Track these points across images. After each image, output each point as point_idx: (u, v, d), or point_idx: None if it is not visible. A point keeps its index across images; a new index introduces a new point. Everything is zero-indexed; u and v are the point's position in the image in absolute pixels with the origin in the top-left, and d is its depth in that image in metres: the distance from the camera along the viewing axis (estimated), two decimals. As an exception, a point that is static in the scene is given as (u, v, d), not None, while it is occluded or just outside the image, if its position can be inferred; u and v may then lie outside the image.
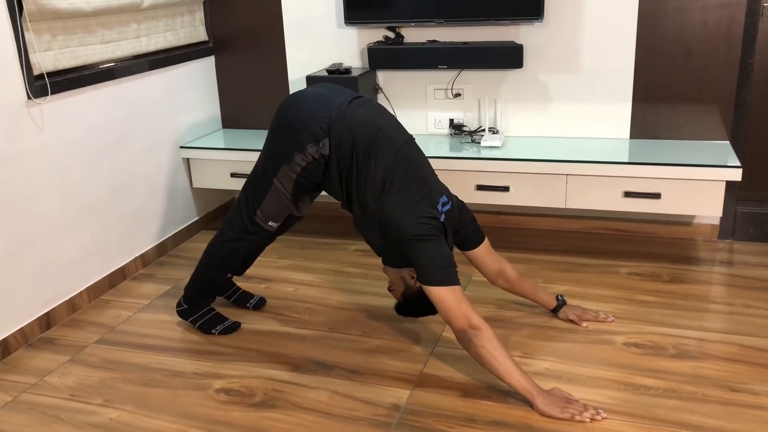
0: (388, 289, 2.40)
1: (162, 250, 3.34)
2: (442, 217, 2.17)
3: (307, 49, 3.50)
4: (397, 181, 2.15)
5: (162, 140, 3.32)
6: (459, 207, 2.31)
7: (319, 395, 2.18)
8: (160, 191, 3.32)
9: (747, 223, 3.16)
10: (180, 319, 2.63)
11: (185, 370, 2.36)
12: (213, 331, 2.57)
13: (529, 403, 2.06)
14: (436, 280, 2.07)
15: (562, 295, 2.56)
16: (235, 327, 2.59)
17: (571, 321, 2.51)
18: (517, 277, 2.47)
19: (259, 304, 2.75)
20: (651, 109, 3.12)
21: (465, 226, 2.33)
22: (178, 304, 2.61)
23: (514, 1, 3.03)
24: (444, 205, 2.20)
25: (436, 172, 3.06)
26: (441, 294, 2.06)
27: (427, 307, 2.21)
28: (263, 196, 2.31)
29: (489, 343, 2.02)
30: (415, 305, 2.32)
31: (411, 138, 2.28)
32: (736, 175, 2.74)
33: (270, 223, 2.37)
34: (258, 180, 2.32)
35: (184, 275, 3.09)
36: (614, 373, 2.22)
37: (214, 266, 2.50)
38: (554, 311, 2.54)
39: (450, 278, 2.07)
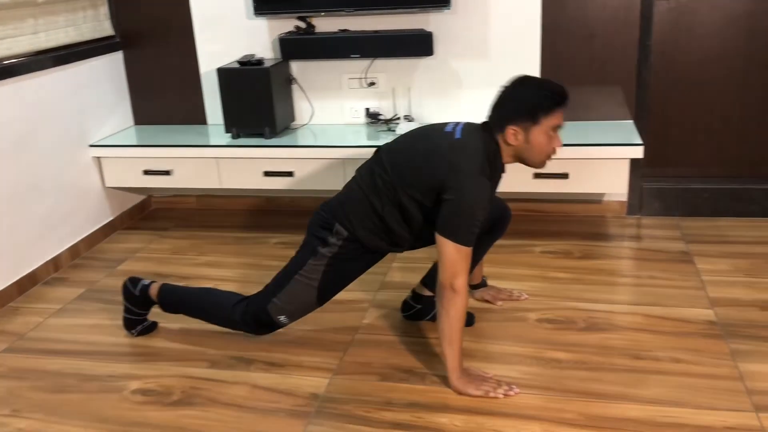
0: (541, 163, 2.14)
1: (75, 252, 3.23)
2: (459, 134, 2.09)
3: (217, 41, 3.44)
4: (400, 158, 2.15)
5: (69, 139, 3.21)
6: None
7: (239, 390, 2.17)
8: (69, 192, 3.21)
9: (653, 199, 3.30)
10: (109, 322, 2.56)
11: (100, 373, 2.31)
12: (132, 330, 2.51)
13: (445, 384, 2.10)
14: (455, 236, 1.99)
15: (485, 279, 2.62)
16: (152, 327, 2.55)
17: (486, 301, 2.57)
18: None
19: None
20: (558, 92, 3.21)
21: None
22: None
23: (423, -11, 3.07)
24: (455, 126, 2.13)
25: (352, 161, 3.08)
26: (449, 248, 2.00)
27: (542, 84, 2.09)
28: (288, 284, 2.26)
29: (453, 310, 2.02)
30: (537, 97, 2.04)
31: (378, 149, 2.28)
32: (639, 152, 2.86)
33: (282, 319, 2.29)
34: (293, 264, 2.29)
35: (98, 277, 3.01)
36: (527, 349, 2.29)
37: (207, 313, 2.43)
38: (474, 287, 2.58)
39: (469, 239, 2.00)
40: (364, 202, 2.17)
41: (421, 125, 2.35)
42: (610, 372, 2.14)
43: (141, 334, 2.51)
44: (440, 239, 2.01)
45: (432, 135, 2.16)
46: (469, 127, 2.13)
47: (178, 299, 2.44)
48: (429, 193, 2.07)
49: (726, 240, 3.02)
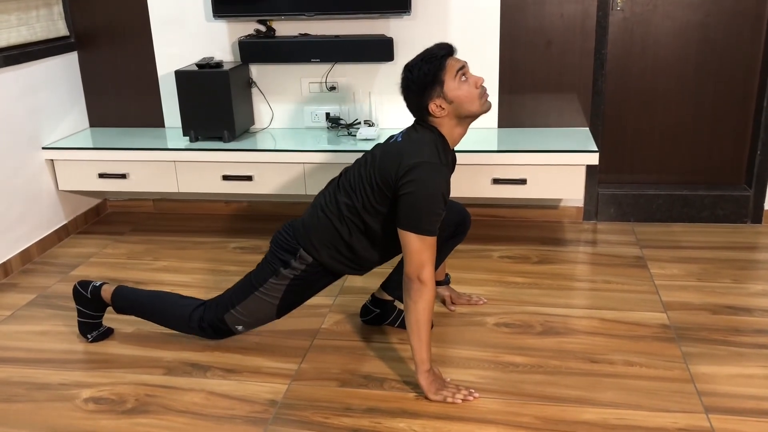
0: (477, 111, 2.12)
1: (27, 257, 3.15)
2: (400, 137, 2.14)
3: (176, 43, 3.40)
4: (354, 174, 2.18)
5: (21, 141, 3.13)
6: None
7: (194, 397, 2.14)
8: (21, 195, 3.13)
9: (608, 204, 3.37)
10: (61, 329, 2.49)
11: (51, 381, 2.24)
12: (88, 336, 2.45)
13: (404, 389, 2.10)
14: (416, 227, 1.99)
15: (449, 276, 2.63)
16: (108, 333, 2.49)
17: (443, 301, 2.59)
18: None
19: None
20: (516, 99, 3.25)
21: None
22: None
23: (383, -5, 3.08)
24: (397, 134, 2.18)
25: (312, 166, 3.07)
26: (413, 239, 2.00)
27: (426, 52, 2.09)
28: (244, 297, 2.25)
29: (421, 303, 2.02)
30: (428, 61, 2.06)
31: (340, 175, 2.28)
32: (594, 159, 2.91)
33: (239, 327, 2.30)
34: (251, 277, 2.27)
35: (51, 282, 2.94)
36: (485, 353, 2.31)
37: (162, 317, 2.40)
38: (439, 284, 2.57)
39: (431, 229, 2.00)
40: (331, 229, 2.17)
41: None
42: (567, 376, 2.17)
43: (96, 340, 2.45)
44: (403, 233, 2.02)
45: (380, 148, 2.19)
46: (407, 129, 2.17)
47: (133, 300, 2.40)
48: (387, 196, 2.07)
49: (678, 245, 3.09)
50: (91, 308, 2.43)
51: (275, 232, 2.30)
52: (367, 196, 2.11)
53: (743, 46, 3.14)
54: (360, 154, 2.98)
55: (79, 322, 2.46)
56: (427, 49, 2.09)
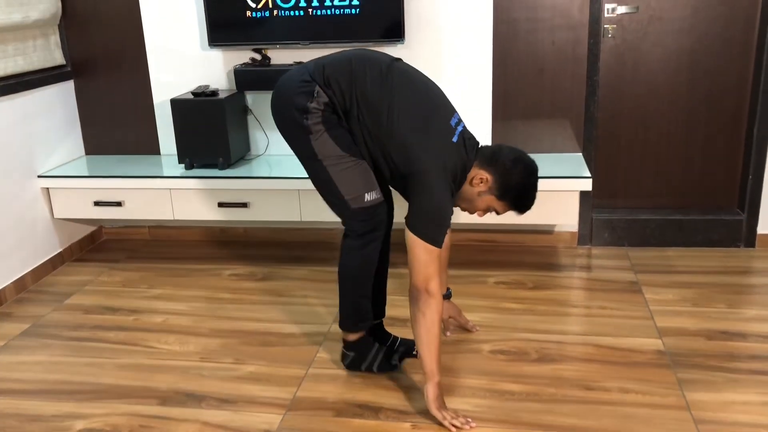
0: (462, 209, 2.21)
1: (21, 286, 3.14)
2: (456, 137, 2.09)
3: (171, 71, 3.42)
4: (402, 105, 2.05)
5: (16, 169, 3.14)
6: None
7: (189, 428, 2.12)
8: (16, 223, 3.13)
9: (602, 229, 3.38)
10: (55, 359, 2.47)
11: (44, 413, 2.23)
12: (393, 362, 2.35)
13: (400, 418, 2.09)
14: (425, 235, 2.00)
15: (450, 290, 2.61)
16: (410, 349, 2.38)
17: (450, 317, 2.58)
18: (448, 246, 2.49)
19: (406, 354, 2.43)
20: (509, 125, 3.28)
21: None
22: (343, 356, 2.37)
23: (378, 23, 3.11)
24: (458, 124, 2.13)
25: (308, 193, 3.08)
26: (419, 246, 2.01)
27: (526, 180, 2.13)
28: (334, 183, 2.11)
29: (430, 313, 2.03)
30: (516, 191, 2.13)
31: (398, 59, 2.18)
32: (588, 185, 2.93)
33: (366, 196, 2.12)
34: (316, 177, 2.15)
35: (45, 311, 2.93)
36: (481, 381, 2.30)
37: (357, 275, 2.25)
38: None
39: (438, 239, 2.02)
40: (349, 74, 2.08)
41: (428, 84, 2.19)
42: (563, 403, 2.16)
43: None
44: (413, 240, 2.02)
45: (440, 115, 2.11)
46: (465, 135, 2.14)
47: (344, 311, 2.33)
48: (401, 160, 2.06)
49: (673, 270, 3.10)
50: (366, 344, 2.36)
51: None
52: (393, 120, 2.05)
53: (732, 71, 3.18)
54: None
55: (377, 366, 2.35)
56: (533, 193, 2.17)
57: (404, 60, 2.22)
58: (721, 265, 3.13)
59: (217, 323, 2.77)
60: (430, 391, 2.07)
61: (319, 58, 2.17)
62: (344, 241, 2.24)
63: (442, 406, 2.07)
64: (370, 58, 2.12)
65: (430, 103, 2.12)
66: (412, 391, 2.25)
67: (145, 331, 2.73)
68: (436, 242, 2.02)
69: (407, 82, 2.10)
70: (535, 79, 3.21)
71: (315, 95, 2.06)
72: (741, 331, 2.55)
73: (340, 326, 2.34)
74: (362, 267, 2.24)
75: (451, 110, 2.15)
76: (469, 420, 2.07)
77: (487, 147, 2.19)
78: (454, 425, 2.04)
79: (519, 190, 2.14)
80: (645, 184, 3.38)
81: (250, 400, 2.25)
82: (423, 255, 2.02)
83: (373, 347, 2.33)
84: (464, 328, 2.61)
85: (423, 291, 2.03)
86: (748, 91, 3.19)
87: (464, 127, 2.17)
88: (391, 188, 2.28)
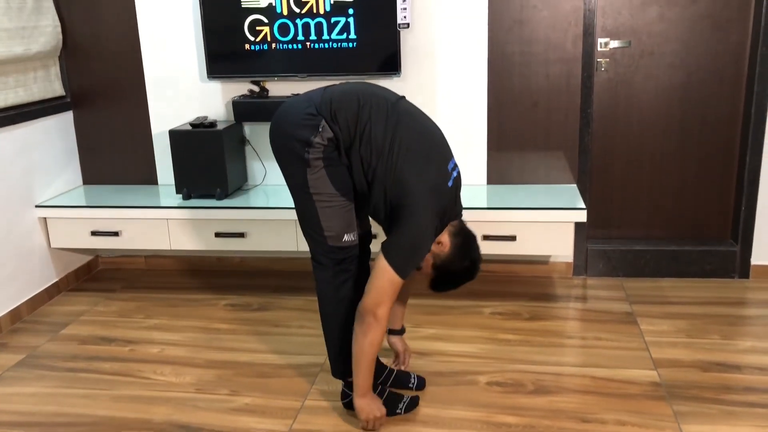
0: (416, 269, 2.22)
1: (16, 316, 3.14)
2: (451, 182, 2.13)
3: (170, 102, 3.46)
4: (404, 143, 2.07)
5: (14, 199, 3.15)
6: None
7: (184, 461, 2.12)
8: (12, 253, 3.13)
9: (597, 260, 3.40)
10: (50, 390, 2.47)
11: (38, 446, 2.22)
12: (398, 411, 2.31)
13: None
14: (396, 262, 2.02)
15: (404, 327, 2.59)
16: (415, 401, 2.35)
17: (396, 356, 2.55)
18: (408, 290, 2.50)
19: (421, 384, 2.47)
20: (504, 157, 3.32)
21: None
22: (343, 395, 2.34)
23: (374, 57, 3.16)
24: (453, 169, 2.17)
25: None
26: (385, 273, 2.02)
27: (462, 274, 2.18)
28: (318, 218, 2.13)
29: (371, 336, 2.07)
30: (448, 275, 2.19)
31: (403, 97, 2.22)
32: (582, 216, 2.96)
33: (345, 237, 2.14)
34: (302, 208, 2.16)
35: (41, 342, 2.92)
36: (478, 413, 2.30)
37: (342, 323, 2.24)
38: (394, 333, 2.53)
39: (406, 271, 2.05)
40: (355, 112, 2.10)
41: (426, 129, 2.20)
42: (559, 436, 2.17)
43: (407, 410, 2.33)
44: (381, 263, 2.03)
45: (440, 158, 2.15)
46: (457, 183, 2.20)
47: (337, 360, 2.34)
48: (393, 192, 2.09)
49: (667, 301, 3.11)
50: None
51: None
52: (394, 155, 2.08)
53: (724, 104, 3.23)
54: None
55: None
56: (473, 275, 2.22)
57: (401, 92, 2.24)
58: (715, 296, 3.15)
59: (213, 354, 2.76)
60: (360, 403, 2.16)
61: (324, 90, 2.17)
62: (315, 273, 2.24)
63: (370, 414, 2.17)
64: (376, 94, 2.15)
65: (432, 144, 2.14)
66: (408, 423, 2.24)
67: (140, 361, 2.72)
68: (403, 273, 2.04)
69: (411, 122, 2.13)
70: (530, 111, 3.26)
71: (320, 130, 2.07)
72: (736, 363, 2.56)
73: (333, 374, 2.35)
74: (340, 312, 2.23)
75: (449, 154, 2.19)
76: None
77: (465, 224, 2.23)
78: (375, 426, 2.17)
79: (450, 276, 2.19)
80: (639, 215, 3.41)
81: (245, 431, 2.25)
82: (385, 283, 2.04)
83: (375, 390, 2.29)
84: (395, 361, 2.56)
85: (371, 314, 2.06)
86: (740, 123, 3.24)
87: (458, 173, 2.22)
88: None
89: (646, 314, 2.98)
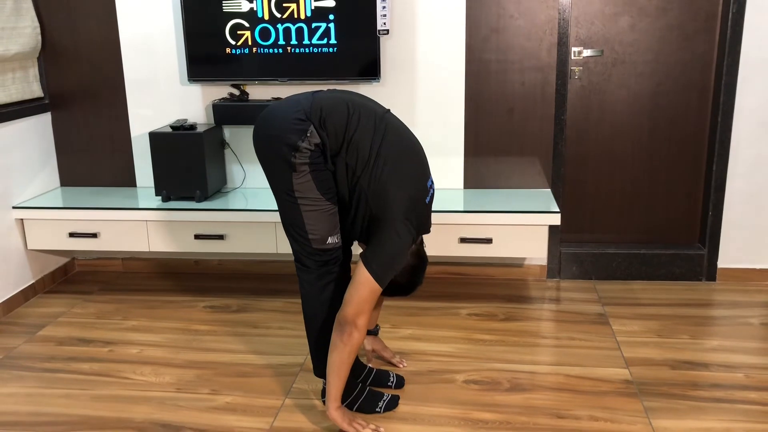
0: None
1: (-8, 317, 3.12)
2: (428, 198, 2.20)
3: (149, 105, 3.47)
4: (389, 157, 2.11)
5: (-9, 201, 3.14)
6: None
7: (166, 458, 2.13)
8: (-11, 255, 3.12)
9: (570, 263, 3.48)
10: (29, 391, 2.46)
11: (17, 445, 2.22)
12: (377, 409, 2.34)
13: None
14: (376, 273, 2.07)
15: (378, 326, 2.66)
16: (395, 400, 2.39)
17: (373, 350, 2.63)
18: None
19: (400, 383, 2.52)
20: (481, 162, 3.39)
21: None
22: (324, 393, 2.32)
23: (354, 63, 3.21)
24: (431, 186, 2.23)
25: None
26: (366, 283, 2.07)
27: (398, 289, 2.23)
28: (303, 221, 2.15)
29: (350, 345, 2.11)
30: (397, 287, 2.24)
31: (389, 110, 2.25)
32: (556, 219, 3.03)
33: (329, 239, 2.17)
34: (286, 211, 2.17)
35: (17, 343, 2.91)
36: (455, 410, 2.35)
37: (325, 323, 2.26)
38: (368, 333, 2.59)
39: (386, 281, 2.10)
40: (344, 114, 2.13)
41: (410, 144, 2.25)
42: (534, 431, 2.22)
43: (387, 409, 2.36)
44: (362, 272, 2.08)
45: (422, 174, 2.20)
46: (431, 200, 2.27)
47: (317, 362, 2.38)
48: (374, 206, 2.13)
49: (638, 302, 3.20)
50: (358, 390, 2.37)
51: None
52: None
53: (692, 113, 3.34)
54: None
55: (357, 407, 2.35)
56: (415, 288, 2.28)
57: (380, 97, 2.27)
58: (684, 298, 3.25)
59: (193, 354, 2.78)
60: (336, 416, 2.17)
61: (314, 95, 2.19)
62: (299, 275, 2.27)
63: (352, 419, 2.18)
64: (365, 105, 2.18)
65: (414, 161, 2.20)
66: (388, 421, 2.29)
67: (120, 362, 2.73)
68: (382, 282, 2.09)
69: (396, 137, 2.18)
70: (506, 117, 3.33)
71: (308, 135, 2.08)
72: (703, 361, 2.65)
73: (315, 374, 2.38)
74: (324, 312, 2.26)
75: (428, 172, 2.25)
76: (379, 426, 2.20)
77: (423, 247, 2.30)
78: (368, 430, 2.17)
79: (395, 282, 2.20)
80: (611, 220, 3.51)
81: (227, 430, 2.27)
82: (365, 292, 2.09)
83: (356, 388, 2.34)
84: (390, 363, 2.64)
85: (351, 324, 2.10)
86: (707, 131, 3.36)
87: (434, 190, 2.28)
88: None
89: (617, 315, 3.06)
